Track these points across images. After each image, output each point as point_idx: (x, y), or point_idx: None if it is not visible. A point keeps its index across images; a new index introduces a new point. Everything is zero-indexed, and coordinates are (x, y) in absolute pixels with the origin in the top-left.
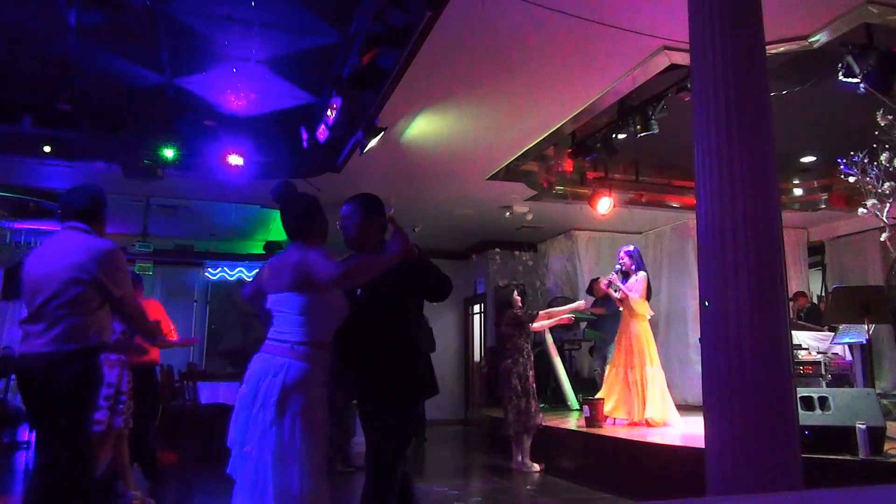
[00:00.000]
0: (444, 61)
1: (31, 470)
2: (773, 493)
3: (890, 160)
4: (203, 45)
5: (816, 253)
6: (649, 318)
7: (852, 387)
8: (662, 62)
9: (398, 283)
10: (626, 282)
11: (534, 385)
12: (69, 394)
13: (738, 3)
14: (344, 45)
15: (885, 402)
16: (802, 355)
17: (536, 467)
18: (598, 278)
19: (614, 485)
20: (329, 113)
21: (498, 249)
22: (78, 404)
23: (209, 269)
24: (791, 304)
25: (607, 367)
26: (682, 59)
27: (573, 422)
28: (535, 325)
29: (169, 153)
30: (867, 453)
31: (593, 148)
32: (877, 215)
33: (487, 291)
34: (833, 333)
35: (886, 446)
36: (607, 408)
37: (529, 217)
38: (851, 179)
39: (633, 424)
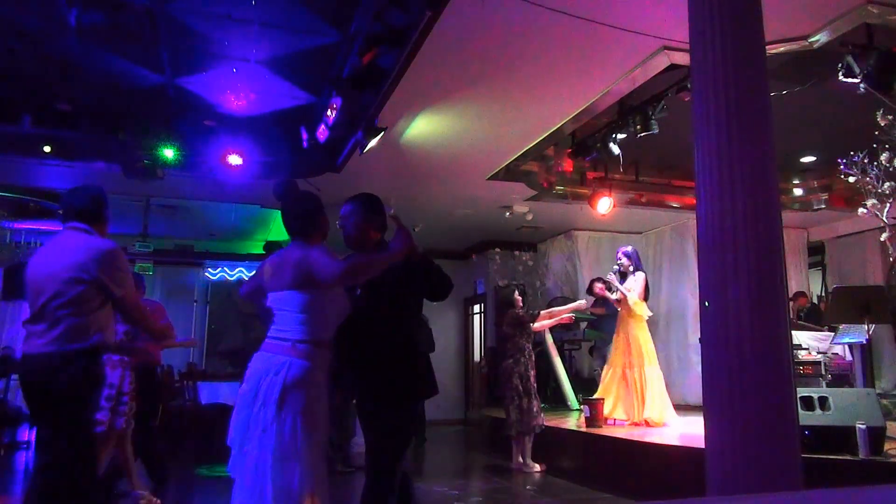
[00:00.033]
0: (444, 61)
1: (31, 470)
2: (773, 493)
3: (890, 160)
4: (203, 45)
5: (816, 253)
6: (647, 318)
7: (852, 387)
8: (662, 62)
9: (398, 283)
10: (624, 282)
11: (535, 385)
12: (70, 394)
13: (738, 3)
14: (344, 45)
15: (885, 402)
16: (802, 355)
17: (537, 467)
18: (599, 278)
19: (614, 485)
20: (329, 113)
21: (498, 249)
22: (79, 404)
23: (209, 269)
24: (791, 304)
25: (605, 368)
26: (682, 59)
27: (573, 422)
28: (536, 325)
29: (169, 153)
30: (867, 453)
31: (593, 148)
32: (877, 215)
33: (487, 291)
34: (833, 333)
35: (886, 446)
36: (606, 408)
37: (529, 217)
38: (851, 179)
39: (634, 424)
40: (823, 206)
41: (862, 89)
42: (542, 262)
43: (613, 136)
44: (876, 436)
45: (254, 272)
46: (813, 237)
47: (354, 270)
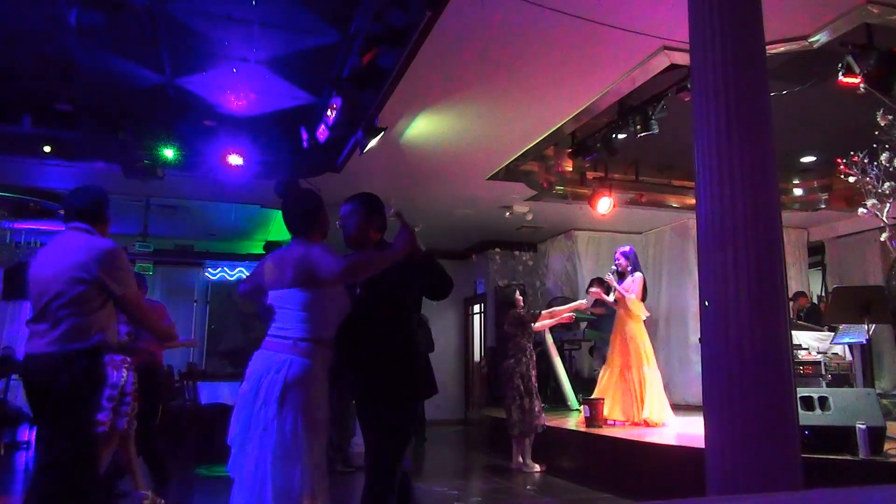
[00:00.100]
0: (444, 61)
1: (31, 470)
2: (773, 493)
3: (890, 160)
4: (203, 45)
5: (816, 253)
6: (645, 318)
7: (852, 387)
8: (662, 62)
9: (398, 282)
10: (622, 283)
11: (536, 385)
12: (71, 393)
13: (738, 3)
14: (344, 45)
15: (885, 402)
16: (802, 355)
17: (537, 468)
18: (598, 278)
19: (614, 485)
20: (329, 113)
21: (498, 249)
22: (80, 404)
23: (209, 269)
24: (791, 304)
25: (602, 368)
26: (682, 59)
27: (573, 422)
28: (537, 325)
29: (169, 153)
30: (867, 453)
31: (593, 148)
32: (877, 215)
33: (487, 291)
34: (833, 333)
35: (886, 446)
36: (605, 409)
37: (529, 217)
38: (851, 179)
39: (634, 424)
40: (823, 206)
41: (862, 89)
42: (542, 262)
43: (613, 135)
44: (876, 436)
45: (252, 270)
46: (813, 237)
47: (356, 267)
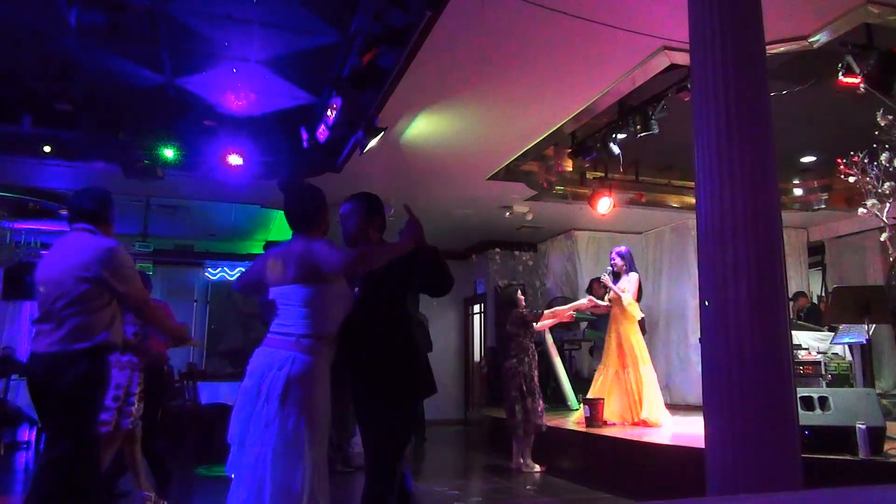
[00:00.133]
0: (444, 61)
1: (31, 470)
2: (773, 493)
3: (890, 160)
4: (203, 45)
5: (816, 253)
6: (639, 318)
7: (852, 387)
8: (662, 62)
9: (399, 282)
10: (618, 283)
11: (538, 384)
12: (72, 393)
13: (738, 3)
14: (344, 45)
15: (885, 402)
16: (802, 355)
17: (537, 468)
18: (598, 278)
19: (614, 485)
20: (329, 113)
21: (498, 249)
22: (81, 403)
23: (209, 269)
24: (791, 304)
25: (598, 368)
26: (682, 59)
27: (573, 421)
28: (538, 325)
29: (169, 153)
30: (867, 453)
31: (593, 148)
32: (877, 215)
33: (487, 291)
34: (833, 333)
35: (886, 446)
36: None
37: (529, 217)
38: (851, 179)
39: (633, 424)
40: (823, 206)
41: (862, 89)
42: (542, 262)
43: (613, 136)
44: (876, 436)
45: (250, 266)
46: (813, 237)
47: (363, 259)
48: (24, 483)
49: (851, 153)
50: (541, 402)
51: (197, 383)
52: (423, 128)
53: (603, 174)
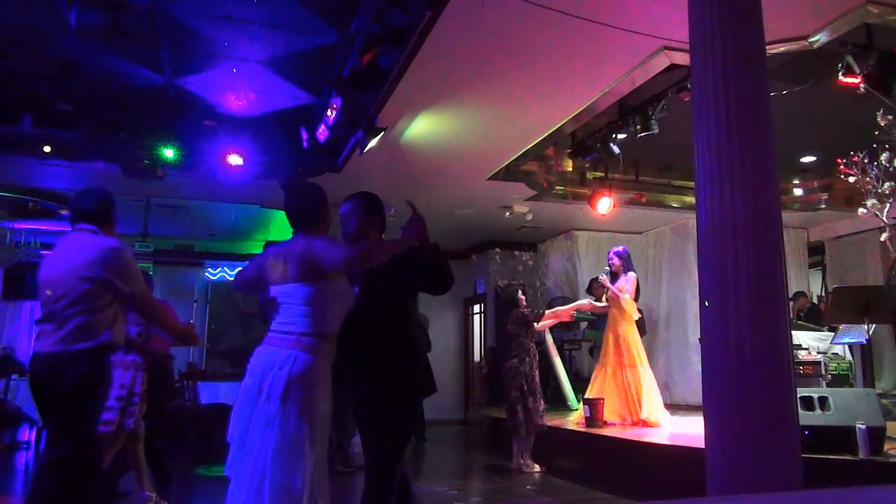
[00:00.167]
0: (444, 61)
1: (31, 470)
2: (773, 493)
3: (890, 160)
4: (203, 45)
5: (816, 253)
6: (636, 318)
7: (852, 387)
8: (662, 62)
9: (398, 281)
10: (615, 282)
11: (539, 384)
12: (73, 393)
13: (738, 3)
14: (344, 45)
15: (885, 402)
16: (802, 355)
17: (537, 468)
18: (597, 278)
19: (614, 485)
20: (329, 113)
21: (498, 249)
22: (82, 403)
23: (209, 269)
24: (791, 304)
25: (595, 368)
26: (682, 59)
27: (572, 420)
28: (539, 325)
29: (169, 153)
30: (867, 453)
31: (593, 148)
32: (877, 215)
33: (487, 291)
34: (833, 333)
35: (886, 446)
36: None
37: (529, 217)
38: (851, 179)
39: (632, 424)
40: (823, 206)
41: (862, 89)
42: (542, 262)
43: (613, 136)
44: (876, 436)
45: (248, 264)
46: (813, 237)
47: (366, 254)
48: (24, 483)
49: (851, 153)
50: (542, 402)
51: (197, 383)
52: (423, 128)
53: (603, 174)
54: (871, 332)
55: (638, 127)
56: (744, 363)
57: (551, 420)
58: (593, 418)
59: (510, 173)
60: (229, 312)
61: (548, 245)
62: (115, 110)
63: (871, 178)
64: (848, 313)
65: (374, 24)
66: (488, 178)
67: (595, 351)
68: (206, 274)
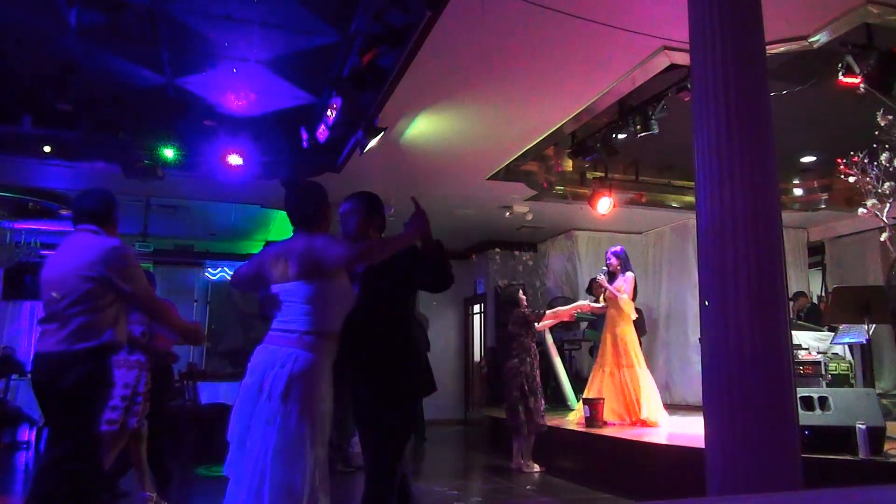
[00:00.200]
0: (444, 61)
1: (31, 470)
2: (773, 493)
3: (890, 160)
4: (203, 45)
5: (816, 253)
6: (634, 318)
7: (852, 387)
8: (662, 62)
9: (399, 279)
10: (613, 283)
11: (540, 384)
12: (75, 393)
13: (738, 3)
14: (344, 45)
15: (885, 402)
16: (802, 355)
17: (537, 468)
18: (596, 278)
19: (614, 485)
20: (329, 113)
21: (498, 249)
22: (84, 403)
23: (209, 269)
24: (791, 304)
25: (593, 368)
26: (682, 59)
27: (572, 422)
28: (539, 325)
29: (169, 153)
30: (867, 453)
31: (593, 148)
32: (877, 215)
33: (487, 291)
34: (833, 333)
35: (886, 446)
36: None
37: (529, 217)
38: (851, 179)
39: (632, 424)
40: (823, 206)
41: (862, 89)
42: (542, 262)
43: (614, 135)
44: (876, 436)
45: (247, 262)
46: (813, 237)
47: (368, 251)
48: (25, 483)
49: (851, 153)
50: (542, 401)
51: (197, 383)
52: (423, 128)
53: (603, 174)
54: (871, 332)
55: (638, 127)
56: (744, 363)
57: (551, 420)
58: (593, 418)
59: (510, 173)
60: (229, 312)
61: (548, 245)
62: (115, 110)
63: (871, 178)
64: (848, 313)
65: (374, 24)
66: (488, 178)
67: (595, 351)
68: (206, 274)
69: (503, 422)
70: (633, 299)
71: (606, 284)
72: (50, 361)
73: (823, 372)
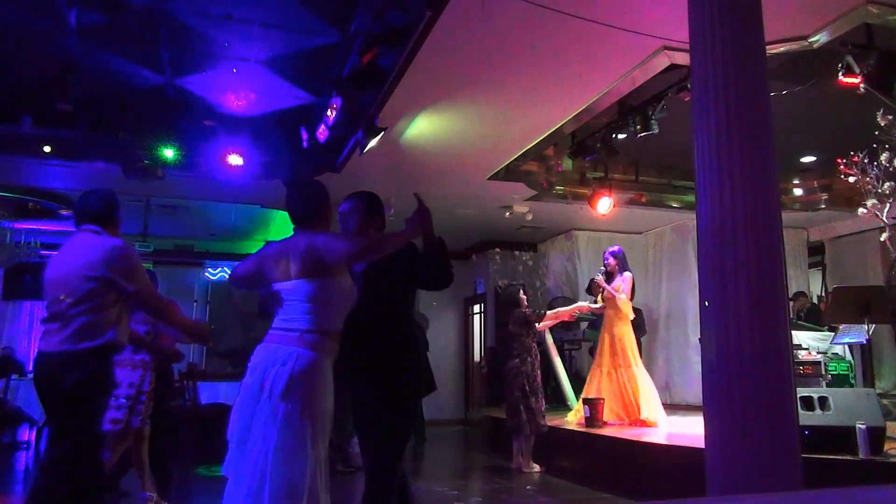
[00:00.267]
0: (444, 61)
1: (31, 469)
2: (773, 493)
3: (890, 160)
4: (203, 45)
5: (816, 253)
6: (632, 318)
7: (852, 387)
8: (662, 62)
9: (399, 277)
10: (611, 283)
11: (541, 384)
12: (77, 393)
13: (738, 3)
14: (344, 45)
15: (885, 402)
16: (802, 355)
17: (537, 468)
18: (595, 278)
19: (614, 485)
20: (329, 113)
21: (498, 249)
22: (85, 403)
23: (209, 269)
24: (791, 304)
25: (592, 368)
26: (682, 59)
27: (571, 421)
28: (539, 325)
29: (169, 153)
30: (867, 453)
31: (593, 148)
32: (877, 215)
33: (487, 291)
34: (833, 333)
35: (886, 446)
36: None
37: (529, 217)
38: (851, 179)
39: (631, 424)
40: (823, 206)
41: (862, 89)
42: (542, 262)
43: (614, 135)
44: (876, 436)
45: (247, 261)
46: (813, 237)
47: (370, 247)
48: (25, 483)
49: (851, 153)
50: (543, 401)
51: (197, 383)
52: (423, 128)
53: (603, 174)
54: (871, 332)
55: (638, 127)
56: (744, 363)
57: (551, 420)
58: (593, 418)
59: (510, 173)
60: (229, 312)
61: (548, 245)
62: (114, 110)
63: (871, 178)
64: (848, 313)
65: (374, 24)
66: (488, 178)
67: (595, 351)
68: (206, 274)
69: (503, 422)
70: (632, 299)
71: (604, 284)
72: (52, 361)
73: (823, 372)
